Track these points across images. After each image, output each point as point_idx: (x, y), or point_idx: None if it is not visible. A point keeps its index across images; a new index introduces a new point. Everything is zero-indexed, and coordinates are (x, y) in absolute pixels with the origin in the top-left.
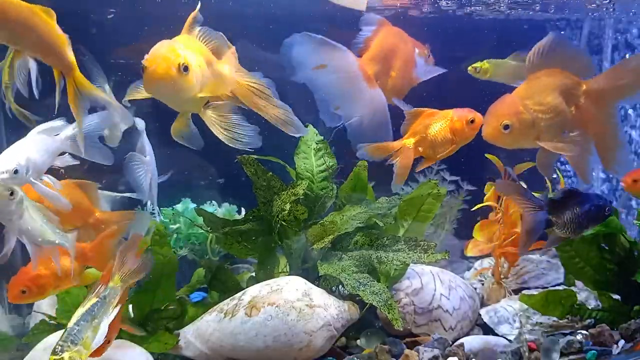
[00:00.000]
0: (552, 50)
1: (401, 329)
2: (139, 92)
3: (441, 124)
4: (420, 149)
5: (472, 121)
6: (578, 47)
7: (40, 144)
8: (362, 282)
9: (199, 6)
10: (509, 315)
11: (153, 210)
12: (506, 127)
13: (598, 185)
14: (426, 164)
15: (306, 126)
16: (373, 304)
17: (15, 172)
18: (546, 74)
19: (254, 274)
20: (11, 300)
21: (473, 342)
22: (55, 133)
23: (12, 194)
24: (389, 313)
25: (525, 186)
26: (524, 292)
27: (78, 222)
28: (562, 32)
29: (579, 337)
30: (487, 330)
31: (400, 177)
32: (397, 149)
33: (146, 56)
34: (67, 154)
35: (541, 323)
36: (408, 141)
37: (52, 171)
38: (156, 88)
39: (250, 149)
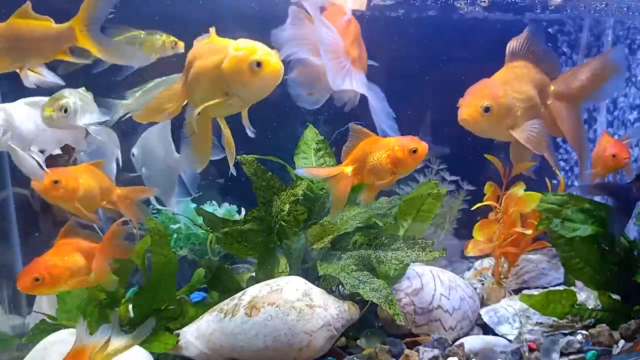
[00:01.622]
0: (530, 43)
1: (403, 324)
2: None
3: (381, 153)
4: (359, 176)
5: (415, 151)
6: (549, 47)
7: (27, 113)
8: (362, 280)
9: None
10: (509, 315)
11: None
12: (487, 109)
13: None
14: (368, 193)
15: (307, 126)
16: (373, 300)
17: None
18: (522, 66)
19: (254, 274)
20: (21, 289)
21: (473, 342)
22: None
23: None
24: (389, 309)
25: (524, 187)
26: (524, 292)
27: (101, 202)
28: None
29: (579, 337)
30: (487, 330)
31: (337, 206)
32: (335, 174)
33: (260, 52)
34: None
35: (541, 323)
36: (347, 168)
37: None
38: (275, 83)
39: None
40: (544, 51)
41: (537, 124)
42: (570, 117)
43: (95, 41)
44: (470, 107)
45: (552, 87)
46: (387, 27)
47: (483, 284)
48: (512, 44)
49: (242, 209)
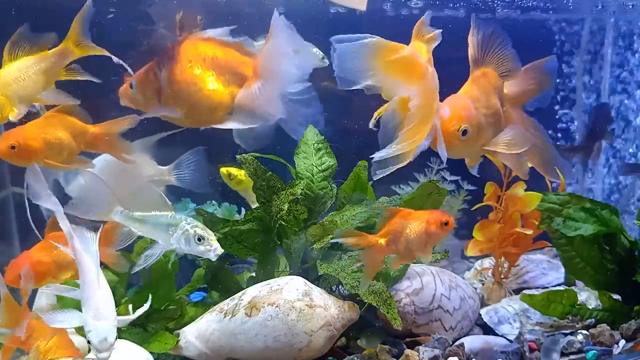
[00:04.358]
0: (490, 44)
1: (400, 328)
2: None
3: (416, 226)
4: (393, 247)
5: (446, 223)
6: (507, 41)
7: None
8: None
9: None
10: (510, 315)
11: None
12: (464, 132)
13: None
14: (398, 262)
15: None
16: (372, 303)
17: None
18: (484, 74)
19: (254, 274)
20: (7, 283)
21: (473, 342)
22: None
23: None
24: (387, 312)
25: (525, 187)
26: (524, 292)
27: (80, 145)
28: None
29: (579, 337)
30: (488, 330)
31: (370, 276)
32: (371, 244)
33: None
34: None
35: (541, 323)
36: (382, 240)
37: None
38: None
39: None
40: (504, 47)
41: (511, 131)
42: (520, 121)
43: (91, 49)
44: (447, 131)
45: (505, 91)
46: (387, 26)
47: (483, 284)
48: (474, 52)
49: (242, 208)
